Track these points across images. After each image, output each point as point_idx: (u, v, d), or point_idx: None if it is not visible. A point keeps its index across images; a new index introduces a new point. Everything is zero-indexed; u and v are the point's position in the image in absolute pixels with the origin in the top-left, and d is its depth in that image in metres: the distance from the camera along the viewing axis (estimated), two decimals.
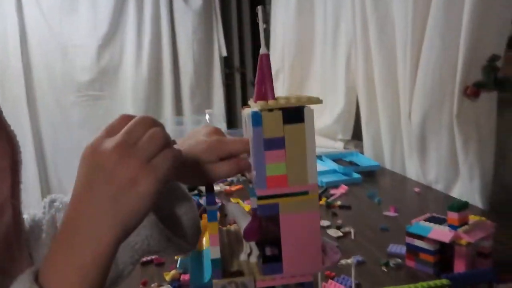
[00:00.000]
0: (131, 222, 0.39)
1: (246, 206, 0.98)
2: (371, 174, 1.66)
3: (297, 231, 0.44)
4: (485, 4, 1.13)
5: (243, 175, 0.52)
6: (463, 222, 0.85)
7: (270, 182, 0.43)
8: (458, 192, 1.35)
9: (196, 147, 0.48)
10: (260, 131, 0.42)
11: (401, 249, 0.96)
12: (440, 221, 0.90)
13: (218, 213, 0.46)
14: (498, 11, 1.14)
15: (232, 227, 0.56)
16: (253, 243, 0.48)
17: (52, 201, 0.57)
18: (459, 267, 0.84)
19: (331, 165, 1.71)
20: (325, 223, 1.17)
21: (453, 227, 0.85)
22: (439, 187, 1.44)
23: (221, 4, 3.06)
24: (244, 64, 3.48)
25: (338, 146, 2.11)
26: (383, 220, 1.20)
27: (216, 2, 2.97)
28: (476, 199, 1.26)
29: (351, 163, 1.82)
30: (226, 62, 3.28)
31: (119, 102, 2.83)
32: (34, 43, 2.67)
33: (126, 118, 0.42)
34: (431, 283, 0.64)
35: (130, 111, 2.80)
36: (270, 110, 0.43)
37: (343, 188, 1.49)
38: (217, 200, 0.63)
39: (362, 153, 1.92)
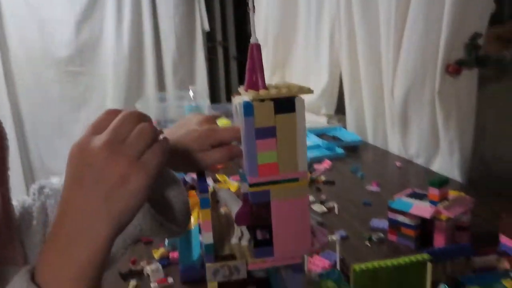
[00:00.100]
0: (124, 218, 0.40)
1: (232, 186, 1.00)
2: (354, 149, 1.69)
3: (287, 216, 0.46)
4: None
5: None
6: (443, 198, 0.89)
7: (261, 170, 0.44)
8: (438, 166, 1.39)
9: (187, 136, 0.48)
10: (252, 121, 0.43)
11: (384, 224, 1.00)
12: (421, 196, 0.93)
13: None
14: None
15: (222, 210, 0.57)
16: (244, 227, 0.50)
17: (42, 188, 0.58)
18: (439, 240, 0.88)
19: (315, 140, 1.73)
20: (309, 198, 1.20)
21: (433, 202, 0.88)
22: (419, 161, 1.47)
23: None
24: (227, 38, 3.44)
25: (322, 121, 2.13)
26: (366, 195, 1.23)
27: None
28: (455, 174, 1.30)
29: (334, 138, 1.85)
30: (209, 36, 3.24)
31: (100, 78, 2.78)
32: (9, 16, 2.58)
33: (112, 113, 0.41)
34: (413, 257, 0.66)
35: (111, 87, 2.76)
36: (262, 100, 0.43)
37: (326, 163, 1.51)
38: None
39: (345, 127, 1.95)
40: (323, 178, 1.37)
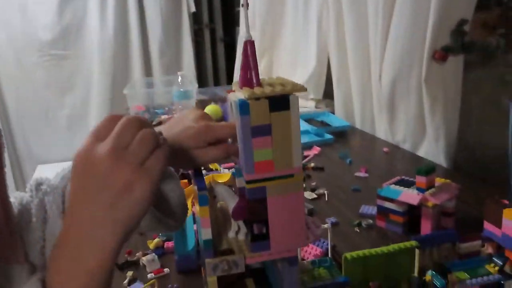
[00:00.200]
0: (130, 225, 0.41)
1: (225, 175, 1.01)
2: (342, 134, 1.71)
3: (283, 211, 0.47)
4: None
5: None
6: (430, 185, 0.91)
7: (257, 167, 0.45)
8: (424, 151, 1.42)
9: (184, 133, 0.49)
10: (248, 119, 0.44)
11: (372, 210, 1.02)
12: (409, 184, 0.95)
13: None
14: None
15: (219, 204, 0.58)
16: (240, 221, 0.51)
17: (39, 184, 0.58)
18: (426, 226, 0.90)
19: (304, 125, 1.74)
20: None
21: (421, 190, 0.90)
22: (406, 146, 1.50)
23: None
24: (213, 20, 3.40)
25: (309, 105, 2.14)
26: (355, 181, 1.25)
27: None
28: (441, 159, 1.33)
29: (322, 123, 1.86)
30: (195, 19, 3.19)
31: (85, 62, 2.74)
32: None
33: (113, 119, 0.42)
34: (401, 244, 0.69)
35: (96, 71, 2.72)
36: (257, 98, 0.44)
37: (315, 149, 1.53)
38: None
39: (333, 112, 1.96)
40: (312, 164, 1.38)
